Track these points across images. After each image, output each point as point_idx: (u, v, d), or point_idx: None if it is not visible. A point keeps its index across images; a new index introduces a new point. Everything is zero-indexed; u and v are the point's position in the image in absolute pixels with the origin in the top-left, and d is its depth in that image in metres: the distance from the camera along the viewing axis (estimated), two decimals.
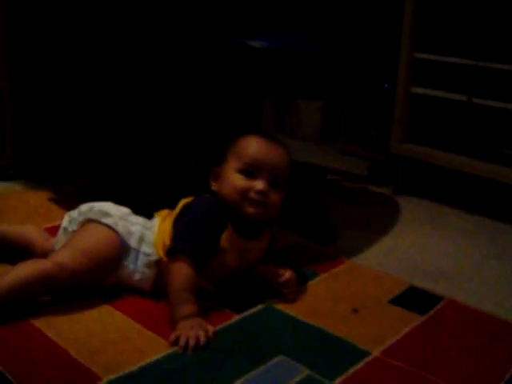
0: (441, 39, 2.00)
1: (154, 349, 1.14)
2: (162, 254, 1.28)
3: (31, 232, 1.46)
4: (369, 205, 2.04)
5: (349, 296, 1.40)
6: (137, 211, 1.40)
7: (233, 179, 1.30)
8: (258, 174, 1.29)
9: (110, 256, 1.29)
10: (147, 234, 1.33)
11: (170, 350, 1.13)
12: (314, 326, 1.26)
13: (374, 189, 2.20)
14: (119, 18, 2.09)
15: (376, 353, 1.18)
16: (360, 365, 1.14)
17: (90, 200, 1.40)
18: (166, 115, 2.41)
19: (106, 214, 1.33)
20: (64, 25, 2.00)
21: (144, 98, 2.29)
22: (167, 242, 1.27)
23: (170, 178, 2.06)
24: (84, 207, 1.37)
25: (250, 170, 1.29)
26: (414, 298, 1.41)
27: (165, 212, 1.38)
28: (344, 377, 1.10)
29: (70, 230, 1.36)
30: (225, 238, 1.28)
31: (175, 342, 1.14)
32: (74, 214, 1.38)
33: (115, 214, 1.34)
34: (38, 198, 1.87)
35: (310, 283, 1.45)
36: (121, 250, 1.30)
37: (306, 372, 1.10)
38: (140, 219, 1.37)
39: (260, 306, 1.32)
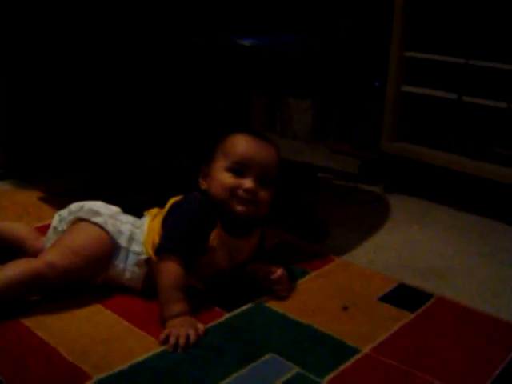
0: (430, 38, 2.00)
1: (144, 347, 1.14)
2: (151, 252, 1.28)
3: (21, 230, 1.47)
4: (359, 203, 2.05)
5: (339, 294, 1.40)
6: (127, 210, 1.40)
7: (221, 178, 1.30)
8: (247, 172, 1.29)
9: (101, 255, 1.29)
10: (137, 232, 1.33)
11: (160, 349, 1.13)
12: (303, 324, 1.26)
13: (365, 187, 2.20)
14: (108, 14, 2.08)
15: (366, 350, 1.18)
16: (350, 362, 1.14)
17: (80, 199, 1.40)
18: (157, 114, 2.40)
19: (96, 213, 1.33)
20: (49, 22, 1.99)
21: (134, 97, 2.29)
22: (157, 240, 1.27)
23: (161, 177, 2.06)
24: (74, 206, 1.37)
25: (239, 169, 1.30)
26: (403, 296, 1.41)
27: (154, 210, 1.38)
28: (334, 374, 1.10)
29: (60, 229, 1.36)
30: (214, 237, 1.28)
31: (165, 341, 1.14)
32: (64, 213, 1.38)
33: (105, 212, 1.34)
34: (28, 198, 1.87)
35: (300, 281, 1.45)
36: (111, 248, 1.30)
37: (296, 369, 1.11)
38: (130, 218, 1.37)
39: (250, 304, 1.32)
